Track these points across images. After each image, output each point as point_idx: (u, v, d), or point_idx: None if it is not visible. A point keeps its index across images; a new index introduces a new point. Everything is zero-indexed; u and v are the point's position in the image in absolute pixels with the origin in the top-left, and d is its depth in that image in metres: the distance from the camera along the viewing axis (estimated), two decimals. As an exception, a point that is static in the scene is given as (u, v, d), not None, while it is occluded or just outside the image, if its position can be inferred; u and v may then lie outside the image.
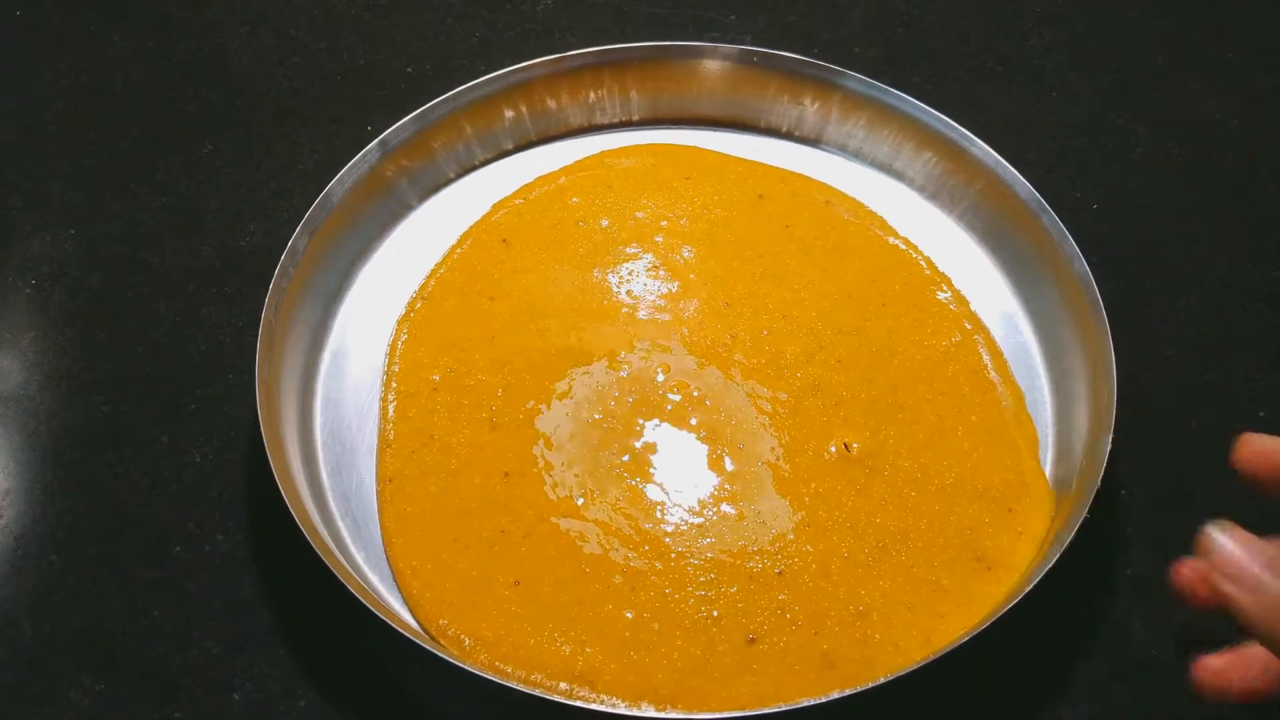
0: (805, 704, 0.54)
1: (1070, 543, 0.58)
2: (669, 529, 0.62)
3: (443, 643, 0.58)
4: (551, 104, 0.79)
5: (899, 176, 0.77)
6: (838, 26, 0.89)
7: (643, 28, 0.88)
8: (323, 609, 0.60)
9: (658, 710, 0.56)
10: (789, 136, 0.80)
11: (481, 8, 0.89)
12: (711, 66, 0.79)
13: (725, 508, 0.63)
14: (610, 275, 0.72)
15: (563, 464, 0.64)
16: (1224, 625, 0.61)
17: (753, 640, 0.58)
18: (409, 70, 0.85)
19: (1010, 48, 0.88)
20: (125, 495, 0.65)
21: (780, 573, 0.60)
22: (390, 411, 0.66)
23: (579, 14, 0.89)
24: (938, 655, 0.55)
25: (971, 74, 0.86)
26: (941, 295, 0.72)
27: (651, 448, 0.65)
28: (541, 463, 0.64)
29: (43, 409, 0.68)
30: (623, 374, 0.68)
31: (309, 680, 0.59)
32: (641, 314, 0.70)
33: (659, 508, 0.63)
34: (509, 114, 0.78)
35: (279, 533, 0.59)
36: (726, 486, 0.63)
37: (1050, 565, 0.57)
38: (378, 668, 0.59)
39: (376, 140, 0.73)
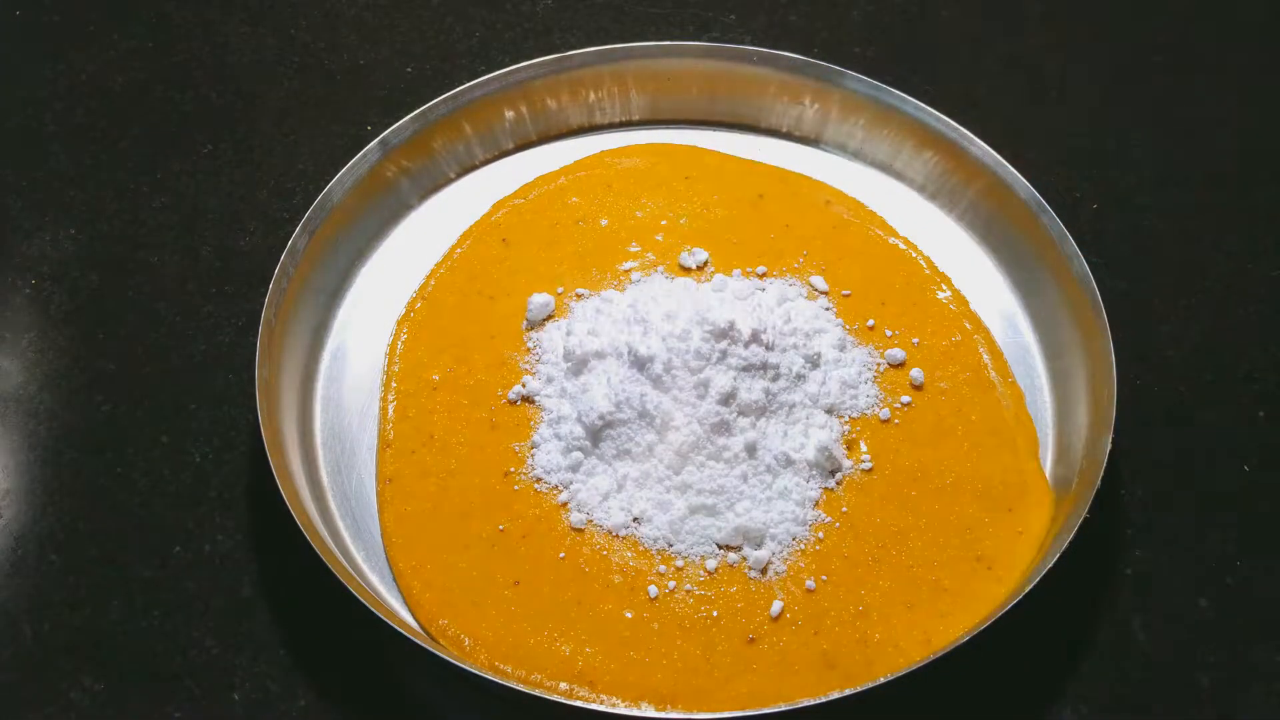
0: (805, 704, 0.54)
1: (1070, 543, 0.58)
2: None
3: (443, 642, 0.58)
4: (551, 104, 0.79)
5: (899, 176, 0.77)
6: (838, 26, 0.89)
7: (643, 28, 0.87)
8: (323, 609, 0.60)
9: (657, 710, 0.56)
10: (789, 136, 0.79)
11: (481, 8, 0.89)
12: (711, 66, 0.79)
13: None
14: (610, 275, 0.72)
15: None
16: (1226, 631, 0.61)
17: (752, 640, 0.58)
18: (409, 70, 0.85)
19: (1010, 48, 0.88)
20: (125, 495, 0.65)
21: (780, 572, 0.60)
22: (390, 411, 0.66)
23: (579, 14, 0.89)
24: (938, 655, 0.55)
25: (971, 74, 0.86)
26: (941, 295, 0.71)
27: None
28: (542, 462, 0.64)
29: (43, 409, 0.68)
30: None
31: (309, 680, 0.59)
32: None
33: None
34: (509, 114, 0.78)
35: (279, 533, 0.59)
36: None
37: (1050, 565, 0.57)
38: (378, 667, 0.59)
39: (376, 140, 0.73)
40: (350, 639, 0.59)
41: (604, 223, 0.74)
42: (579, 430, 0.63)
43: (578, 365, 0.65)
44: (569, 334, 0.67)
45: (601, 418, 0.63)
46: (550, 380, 0.66)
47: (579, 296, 0.70)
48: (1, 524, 0.64)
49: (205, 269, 0.74)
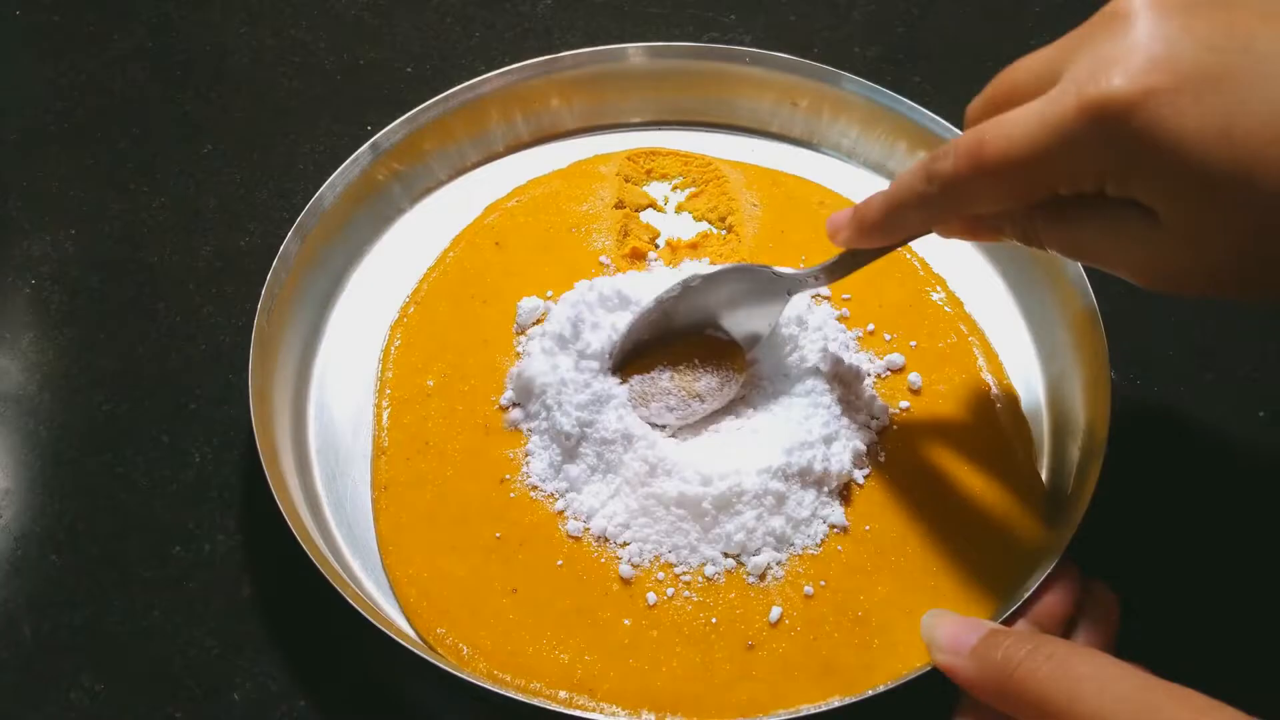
0: (805, 711, 0.54)
1: (1069, 544, 0.58)
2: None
3: (440, 651, 0.58)
4: (544, 105, 0.78)
5: (892, 177, 0.77)
6: (838, 26, 0.89)
7: (643, 28, 0.87)
8: (323, 609, 0.59)
9: (657, 718, 0.56)
10: (782, 138, 0.79)
11: (481, 8, 0.89)
12: (707, 67, 0.78)
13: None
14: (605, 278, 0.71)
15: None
16: (1226, 631, 0.61)
17: (752, 646, 0.58)
18: (409, 70, 0.85)
19: (1010, 48, 0.88)
20: (125, 495, 0.65)
21: (779, 578, 0.60)
22: (384, 418, 0.66)
23: (579, 14, 0.89)
24: (937, 660, 0.55)
25: (971, 74, 0.85)
26: (936, 296, 0.71)
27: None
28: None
29: (43, 409, 0.68)
30: (619, 376, 0.67)
31: (308, 681, 0.59)
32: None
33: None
34: (501, 116, 0.77)
35: (278, 533, 0.59)
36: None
37: (1050, 569, 0.57)
38: (377, 675, 0.59)
39: (368, 144, 0.72)
40: (350, 641, 0.59)
41: (596, 227, 0.74)
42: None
43: (524, 393, 0.65)
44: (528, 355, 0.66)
45: (569, 437, 0.62)
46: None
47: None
48: (1, 524, 0.64)
49: (205, 269, 0.74)
